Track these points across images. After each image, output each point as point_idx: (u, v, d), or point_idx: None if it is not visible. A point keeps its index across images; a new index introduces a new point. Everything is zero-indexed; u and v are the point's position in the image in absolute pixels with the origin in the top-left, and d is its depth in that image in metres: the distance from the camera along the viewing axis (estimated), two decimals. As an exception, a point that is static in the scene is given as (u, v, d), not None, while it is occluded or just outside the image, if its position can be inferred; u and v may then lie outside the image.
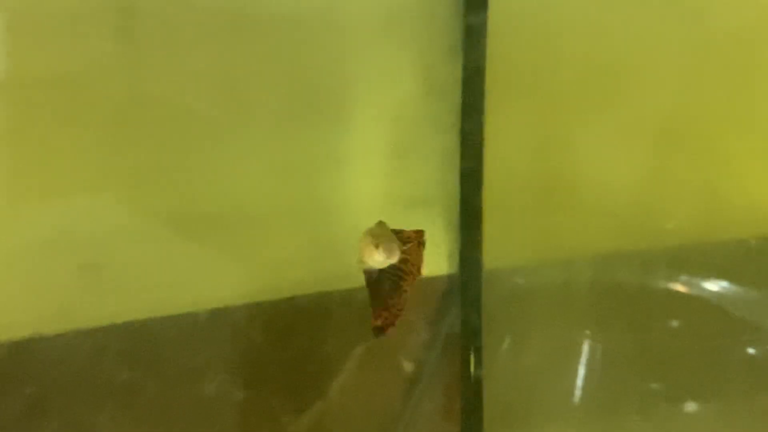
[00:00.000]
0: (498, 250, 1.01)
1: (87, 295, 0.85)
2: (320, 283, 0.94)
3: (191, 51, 0.86)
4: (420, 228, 0.98)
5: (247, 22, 0.87)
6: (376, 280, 0.76)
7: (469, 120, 0.96)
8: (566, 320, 1.06)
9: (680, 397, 1.09)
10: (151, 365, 0.88)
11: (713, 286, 1.08)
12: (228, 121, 0.89)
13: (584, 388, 1.07)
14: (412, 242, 0.78)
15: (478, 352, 1.01)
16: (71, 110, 0.83)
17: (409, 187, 0.98)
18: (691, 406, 1.10)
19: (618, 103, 1.03)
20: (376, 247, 0.73)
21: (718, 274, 1.08)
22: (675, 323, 1.08)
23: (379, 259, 0.73)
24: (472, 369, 1.01)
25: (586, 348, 1.07)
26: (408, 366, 1.01)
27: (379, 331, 0.74)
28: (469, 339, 1.00)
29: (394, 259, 0.74)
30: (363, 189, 0.96)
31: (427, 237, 0.95)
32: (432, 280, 0.99)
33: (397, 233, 0.76)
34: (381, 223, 0.76)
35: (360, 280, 0.91)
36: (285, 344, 0.94)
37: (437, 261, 1.00)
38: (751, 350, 1.10)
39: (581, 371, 1.07)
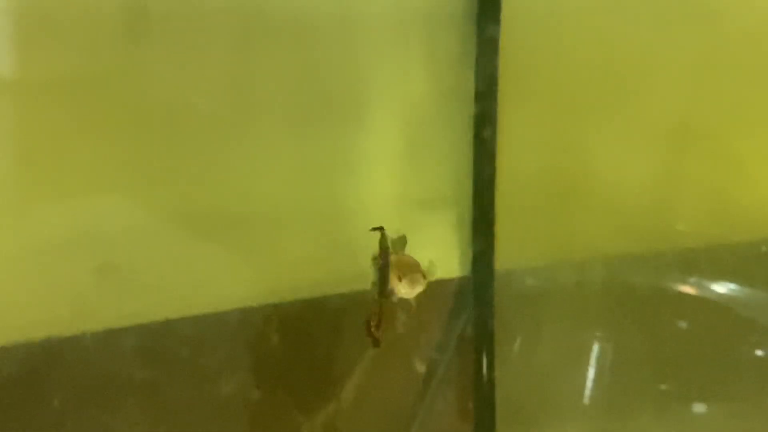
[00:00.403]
0: (511, 252, 1.01)
1: (105, 296, 0.85)
2: (335, 284, 0.94)
3: (207, 53, 0.86)
4: (434, 229, 1.00)
5: (261, 25, 0.88)
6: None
7: (482, 122, 0.97)
8: (578, 321, 1.06)
9: (691, 397, 1.10)
10: (169, 366, 0.89)
11: (724, 288, 1.09)
12: (244, 123, 0.90)
13: (596, 388, 1.08)
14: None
15: (491, 352, 1.01)
16: (88, 111, 0.83)
17: (422, 188, 0.98)
18: (701, 407, 1.10)
19: (630, 105, 1.04)
20: (399, 279, 0.75)
21: (729, 277, 1.08)
22: (686, 325, 1.08)
23: (405, 290, 0.74)
24: (484, 369, 1.01)
25: (597, 349, 1.07)
26: (421, 367, 1.02)
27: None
28: (482, 340, 1.00)
29: (420, 289, 0.76)
30: (378, 190, 0.96)
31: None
32: (445, 281, 1.00)
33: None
34: (400, 245, 0.77)
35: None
36: (300, 344, 0.95)
37: (450, 262, 1.00)
38: (760, 352, 1.10)
39: (593, 372, 1.07)
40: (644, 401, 1.09)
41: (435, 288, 0.99)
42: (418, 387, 1.01)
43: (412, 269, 0.76)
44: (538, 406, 1.06)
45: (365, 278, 0.95)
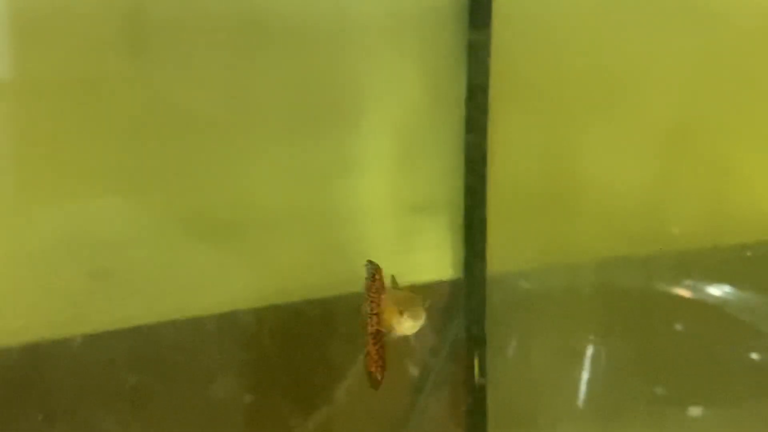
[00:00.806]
0: (503, 255, 1.01)
1: (97, 300, 0.86)
2: (328, 288, 0.94)
3: (202, 57, 0.87)
4: (426, 232, 1.00)
5: (257, 30, 0.88)
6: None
7: (473, 127, 0.97)
8: (571, 325, 1.06)
9: (684, 401, 1.10)
10: (161, 369, 0.89)
11: (717, 291, 1.09)
12: (237, 128, 0.90)
13: (588, 392, 1.07)
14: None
15: (483, 356, 1.01)
16: (82, 115, 0.83)
17: (415, 192, 0.99)
18: (695, 411, 1.10)
19: (621, 108, 1.04)
20: (401, 314, 0.70)
21: (723, 280, 1.08)
22: (679, 328, 1.08)
23: (407, 325, 0.70)
24: (476, 373, 1.01)
25: (590, 352, 1.07)
26: (414, 370, 1.02)
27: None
28: (474, 343, 1.00)
29: (422, 322, 0.71)
30: (370, 195, 0.96)
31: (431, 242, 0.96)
32: (437, 285, 1.00)
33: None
34: (394, 283, 0.74)
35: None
36: (293, 348, 0.95)
37: (443, 266, 1.01)
38: (754, 355, 1.10)
39: (586, 376, 1.07)
40: (637, 405, 1.09)
41: (428, 291, 0.99)
42: (410, 391, 1.01)
43: (412, 303, 0.71)
44: (531, 410, 1.06)
45: (358, 282, 0.95)
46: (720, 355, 1.09)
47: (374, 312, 0.72)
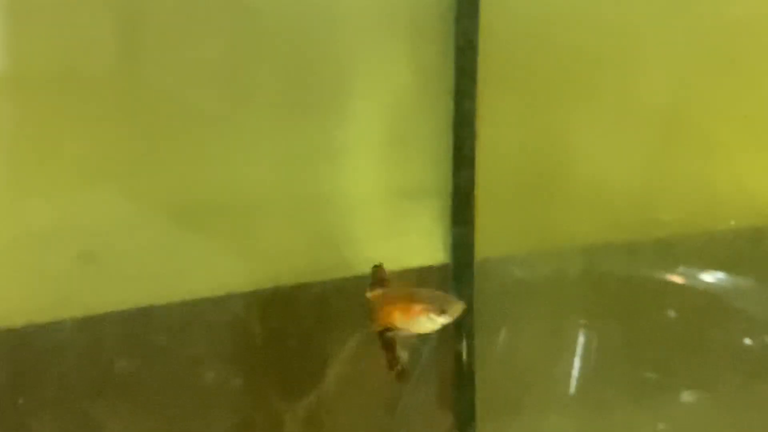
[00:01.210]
0: (491, 240, 1.01)
1: (85, 284, 0.86)
2: (317, 273, 0.95)
3: (190, 43, 0.87)
4: (415, 217, 1.00)
5: (246, 17, 0.89)
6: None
7: (462, 113, 0.98)
8: (560, 310, 1.06)
9: (674, 386, 1.10)
10: (149, 353, 0.89)
11: (707, 276, 1.09)
12: (226, 112, 0.90)
13: (578, 377, 1.08)
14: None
15: (471, 340, 1.01)
16: (70, 102, 0.84)
17: (403, 177, 0.99)
18: (685, 396, 1.10)
19: (611, 94, 1.04)
20: (442, 312, 0.71)
21: (712, 265, 1.09)
22: (669, 313, 1.08)
23: (443, 321, 0.72)
24: (464, 358, 1.01)
25: (579, 338, 1.07)
26: (402, 356, 1.02)
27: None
28: (462, 327, 1.01)
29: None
30: (359, 179, 0.97)
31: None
32: (426, 269, 1.00)
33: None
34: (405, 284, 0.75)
35: (355, 269, 0.93)
36: (282, 333, 0.95)
37: (431, 251, 1.01)
38: (744, 340, 1.10)
39: (575, 361, 1.08)
40: (627, 390, 1.09)
41: (416, 276, 0.99)
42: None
43: (442, 298, 0.72)
44: (519, 395, 1.06)
45: (347, 266, 0.96)
46: (709, 340, 1.09)
47: (383, 314, 0.75)
